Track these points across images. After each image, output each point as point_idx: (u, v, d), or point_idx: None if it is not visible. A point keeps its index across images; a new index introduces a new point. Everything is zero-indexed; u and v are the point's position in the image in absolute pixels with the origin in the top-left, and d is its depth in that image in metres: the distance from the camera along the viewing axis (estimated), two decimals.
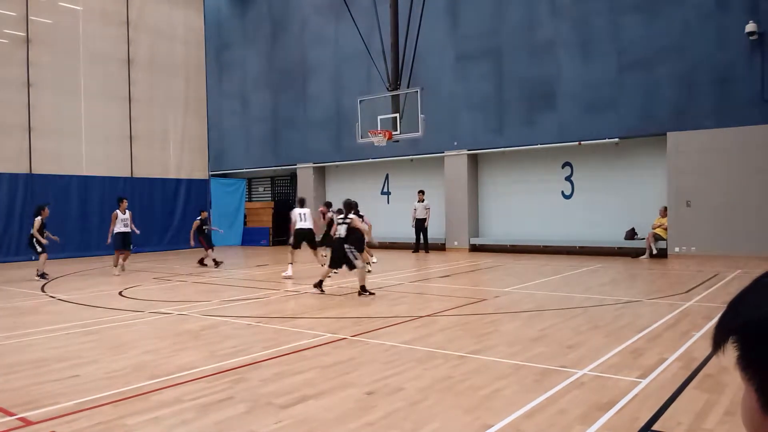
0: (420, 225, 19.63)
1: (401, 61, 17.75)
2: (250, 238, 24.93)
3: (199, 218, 16.45)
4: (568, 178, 18.61)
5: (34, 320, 8.75)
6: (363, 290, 10.24)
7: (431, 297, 10.27)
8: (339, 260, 10.50)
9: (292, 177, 25.69)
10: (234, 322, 8.21)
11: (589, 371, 5.41)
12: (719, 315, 0.81)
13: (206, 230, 16.52)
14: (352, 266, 10.35)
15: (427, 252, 19.55)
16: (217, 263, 16.04)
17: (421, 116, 16.28)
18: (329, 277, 11.57)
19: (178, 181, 23.10)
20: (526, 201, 19.33)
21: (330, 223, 16.98)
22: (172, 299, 10.45)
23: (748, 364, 0.73)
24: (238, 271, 15.70)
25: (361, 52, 19.92)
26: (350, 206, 10.94)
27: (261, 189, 27.73)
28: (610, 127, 17.11)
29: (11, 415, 4.47)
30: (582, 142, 17.64)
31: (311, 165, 23.97)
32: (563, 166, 18.68)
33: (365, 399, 4.74)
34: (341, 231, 10.59)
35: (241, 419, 4.33)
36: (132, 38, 21.75)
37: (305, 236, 13.81)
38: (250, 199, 27.30)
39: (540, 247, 18.85)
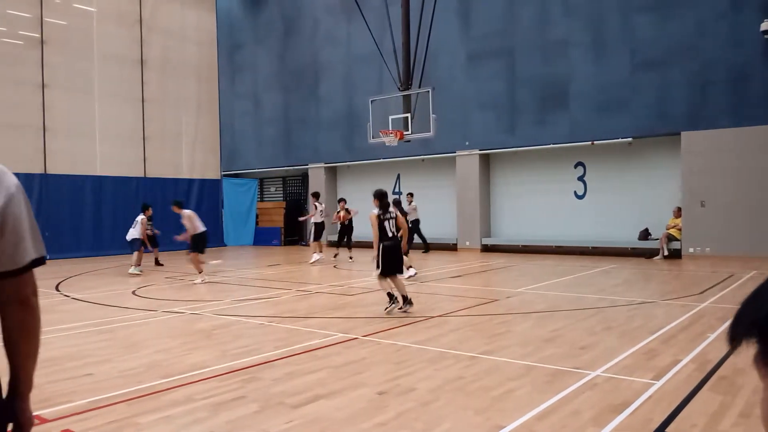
0: (415, 226, 19.11)
1: (413, 61, 17.75)
2: (262, 237, 25.01)
3: (142, 215, 15.64)
4: (581, 178, 18.51)
5: (48, 319, 8.80)
6: (406, 300, 8.59)
7: (443, 297, 10.25)
8: (394, 266, 8.70)
9: (304, 177, 25.75)
10: (246, 322, 8.23)
11: (602, 372, 5.37)
12: (737, 310, 0.80)
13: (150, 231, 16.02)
14: (401, 271, 8.98)
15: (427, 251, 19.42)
16: (158, 263, 16.40)
17: (432, 116, 16.27)
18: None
19: (190, 181, 23.22)
20: (538, 201, 19.24)
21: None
22: (185, 299, 10.51)
23: (767, 360, 0.73)
24: (250, 270, 15.75)
25: (372, 52, 19.94)
26: (397, 201, 10.45)
27: (273, 189, 27.82)
28: (623, 127, 16.99)
29: (35, 411, 4.50)
30: (595, 142, 17.53)
31: (323, 165, 24.01)
32: (576, 166, 18.58)
33: (377, 399, 4.73)
34: (391, 228, 8.82)
35: (253, 418, 4.34)
36: (145, 39, 21.88)
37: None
38: (261, 199, 27.40)
39: (552, 248, 18.76)
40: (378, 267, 8.63)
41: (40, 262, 1.67)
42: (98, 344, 7.02)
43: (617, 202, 17.76)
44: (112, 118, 20.83)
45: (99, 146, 20.55)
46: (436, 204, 20.89)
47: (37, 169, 19.04)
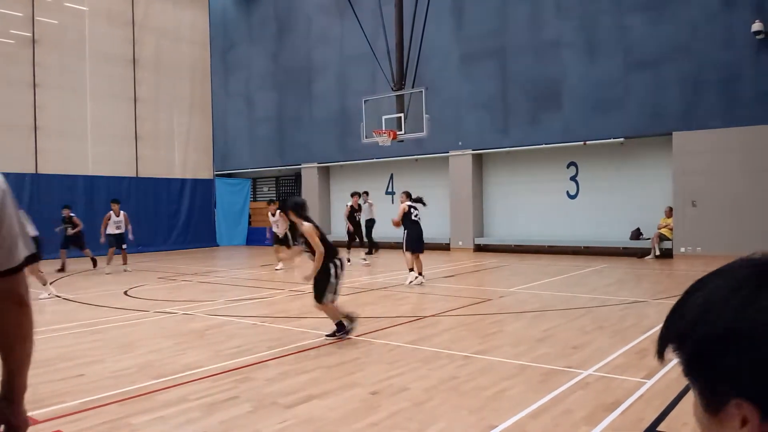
0: (369, 226, 17.97)
1: (406, 60, 17.76)
2: (255, 237, 24.96)
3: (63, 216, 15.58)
4: (573, 178, 18.57)
5: (39, 319, 8.77)
6: (342, 327, 7.02)
7: (436, 297, 10.27)
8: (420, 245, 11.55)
9: (297, 177, 25.73)
10: (239, 322, 8.22)
11: (594, 372, 5.39)
12: (662, 324, 0.85)
13: (58, 229, 15.79)
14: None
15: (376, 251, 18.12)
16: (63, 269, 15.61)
17: (425, 116, 16.30)
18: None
19: (183, 180, 23.15)
20: (531, 201, 19.29)
21: (352, 213, 16.81)
22: (177, 299, 10.48)
23: (688, 369, 0.79)
24: (242, 271, 15.72)
25: (365, 52, 19.93)
26: (417, 199, 12.17)
27: (266, 189, 27.78)
28: (615, 127, 17.06)
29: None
30: (587, 142, 17.60)
31: (316, 165, 24.00)
32: (568, 166, 18.64)
33: (370, 399, 4.74)
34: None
35: (247, 418, 4.34)
36: (137, 38, 21.79)
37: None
38: (254, 199, 27.35)
39: (545, 247, 18.81)
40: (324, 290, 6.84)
41: (33, 258, 1.66)
42: (90, 345, 6.99)
43: (609, 202, 17.83)
44: (105, 118, 20.70)
45: (91, 146, 20.46)
46: (429, 204, 20.84)
47: (29, 169, 18.94)
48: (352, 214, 16.94)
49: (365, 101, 17.96)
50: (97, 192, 20.31)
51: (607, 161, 17.88)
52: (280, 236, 15.59)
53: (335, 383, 5.18)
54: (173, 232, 22.70)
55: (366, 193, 17.97)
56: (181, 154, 23.30)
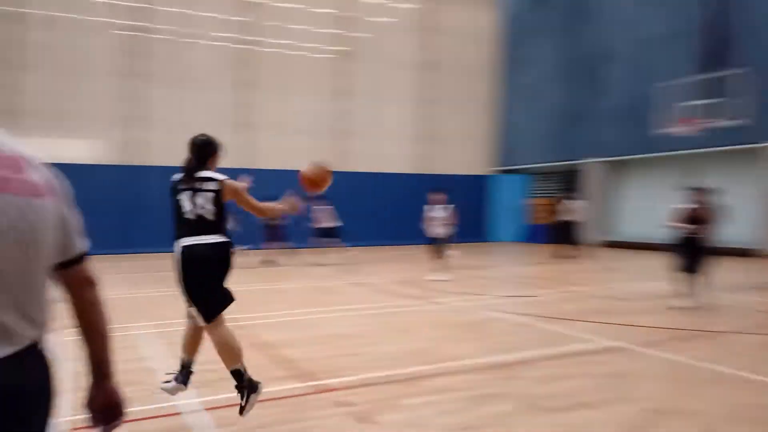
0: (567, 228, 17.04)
1: (719, 39, 15.53)
2: (532, 235, 24.65)
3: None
4: None
5: (332, 299, 9.88)
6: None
7: (734, 311, 8.89)
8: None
9: (579, 172, 24.66)
10: (510, 319, 8.17)
11: None
12: None
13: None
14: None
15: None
16: None
17: (743, 101, 14.10)
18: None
19: (461, 176, 24.07)
20: None
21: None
22: (450, 290, 10.83)
23: None
24: (518, 268, 15.64)
25: (666, 33, 18.08)
26: (707, 191, 8.98)
27: (546, 185, 27.22)
28: None
29: (315, 380, 5.08)
30: None
31: (602, 159, 22.67)
32: None
33: (648, 417, 4.27)
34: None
35: (508, 417, 4.25)
36: (426, 43, 23.32)
37: None
38: (534, 196, 26.99)
39: None
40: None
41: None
42: (370, 327, 7.61)
43: None
44: (394, 119, 22.89)
45: (385, 145, 22.74)
46: (734, 203, 18.16)
47: (348, 168, 21.69)
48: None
49: (663, 86, 16.27)
50: (390, 189, 22.43)
51: None
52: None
53: (608, 394, 4.79)
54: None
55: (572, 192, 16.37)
56: (461, 150, 24.31)
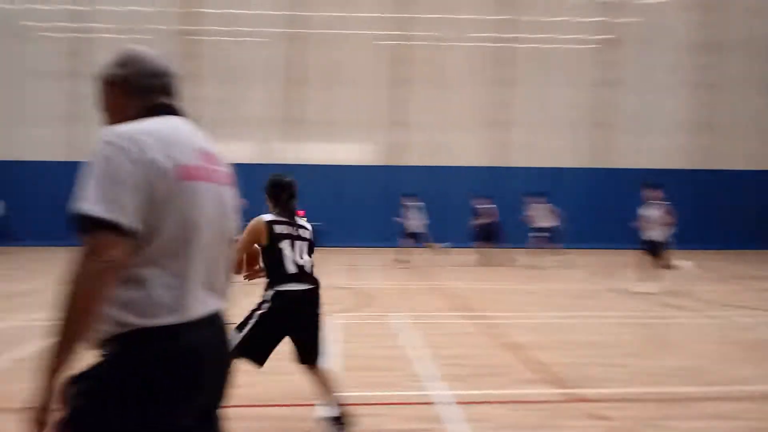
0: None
1: None
2: None
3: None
4: None
5: (588, 304, 9.39)
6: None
7: None
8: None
9: None
10: None
11: None
12: None
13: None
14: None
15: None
16: None
17: None
18: None
19: (749, 172, 21.17)
20: None
21: None
22: (730, 303, 9.51)
23: None
24: None
25: None
26: None
27: None
28: None
29: (566, 388, 4.87)
30: None
31: None
32: None
33: None
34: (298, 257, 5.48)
35: None
36: (710, 22, 21.09)
37: None
38: None
39: None
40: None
41: (99, 222, 1.52)
42: (628, 336, 7.05)
43: None
44: (662, 107, 21.04)
45: (652, 138, 21.08)
46: None
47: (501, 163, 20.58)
48: None
49: None
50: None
51: None
52: None
53: None
54: (727, 228, 20.69)
55: None
56: (746, 143, 21.26)
